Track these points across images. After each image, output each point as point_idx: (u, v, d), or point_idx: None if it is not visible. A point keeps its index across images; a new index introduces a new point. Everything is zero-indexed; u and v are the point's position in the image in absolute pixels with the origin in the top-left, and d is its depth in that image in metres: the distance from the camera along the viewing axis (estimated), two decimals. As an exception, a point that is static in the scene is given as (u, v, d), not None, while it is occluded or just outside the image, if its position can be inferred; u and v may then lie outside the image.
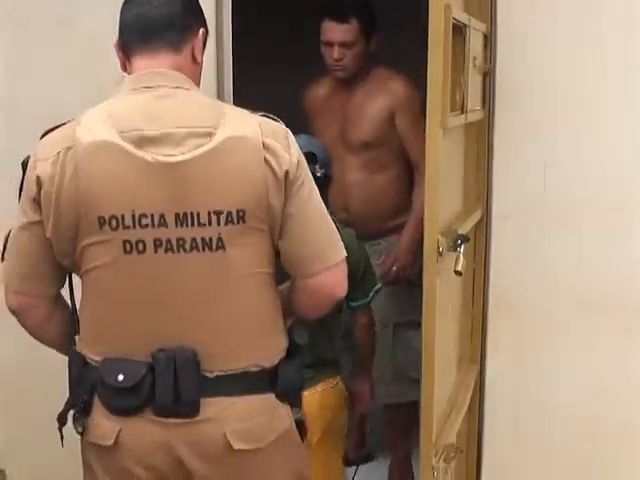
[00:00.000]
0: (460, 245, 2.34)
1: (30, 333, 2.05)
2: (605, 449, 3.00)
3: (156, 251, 1.83)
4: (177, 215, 1.82)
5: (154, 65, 1.91)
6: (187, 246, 1.83)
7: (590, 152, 2.89)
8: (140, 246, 1.83)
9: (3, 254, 1.97)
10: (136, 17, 1.94)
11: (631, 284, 2.90)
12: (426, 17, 2.14)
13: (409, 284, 3.31)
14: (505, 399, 3.05)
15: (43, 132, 1.92)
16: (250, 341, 1.93)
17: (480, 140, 2.90)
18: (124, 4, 1.99)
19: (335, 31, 3.28)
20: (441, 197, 2.23)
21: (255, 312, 1.93)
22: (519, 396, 3.03)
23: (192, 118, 1.86)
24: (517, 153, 2.92)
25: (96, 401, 1.92)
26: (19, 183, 1.93)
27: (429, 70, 2.15)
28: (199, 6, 2.03)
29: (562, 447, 3.02)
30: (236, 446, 1.89)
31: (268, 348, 1.96)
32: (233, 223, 1.84)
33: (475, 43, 2.58)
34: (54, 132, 1.90)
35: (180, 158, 1.81)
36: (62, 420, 2.01)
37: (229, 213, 1.83)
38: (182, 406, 1.86)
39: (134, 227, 1.82)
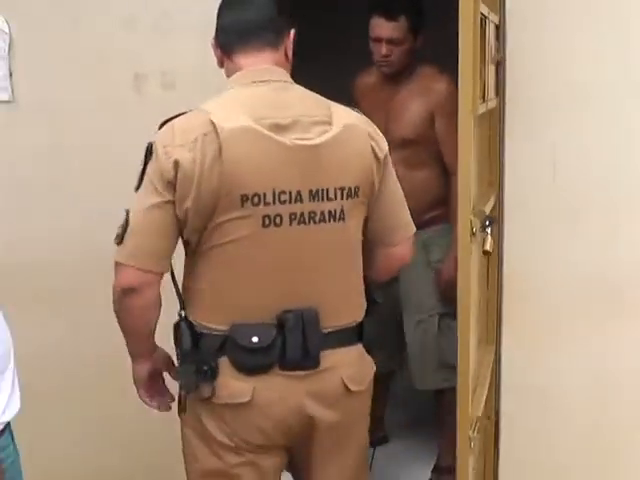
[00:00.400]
0: (488, 226, 2.45)
1: (131, 317, 2.16)
2: (610, 427, 3.10)
3: (291, 224, 2.09)
4: (310, 191, 2.09)
5: (258, 62, 2.17)
6: (317, 218, 2.11)
7: (600, 141, 2.96)
8: (277, 220, 2.07)
9: (122, 236, 2.08)
10: (236, 20, 2.19)
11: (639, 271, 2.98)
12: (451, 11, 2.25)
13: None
14: (519, 378, 3.14)
15: (162, 122, 2.13)
16: (351, 300, 2.23)
17: (493, 128, 3.01)
18: (222, 8, 2.24)
19: (384, 28, 3.33)
20: (473, 181, 2.34)
21: (356, 275, 2.24)
22: (532, 375, 3.12)
23: (309, 108, 2.14)
24: (527, 141, 2.99)
25: (223, 365, 2.12)
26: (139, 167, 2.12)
27: (460, 60, 2.25)
28: (289, 10, 2.26)
29: (570, 422, 3.13)
30: (352, 388, 2.21)
31: (360, 306, 2.26)
32: (351, 197, 2.14)
33: (490, 34, 2.69)
34: (181, 121, 2.10)
35: (315, 142, 2.08)
36: (187, 387, 2.17)
37: (349, 189, 2.13)
38: (308, 359, 2.13)
39: (274, 203, 2.06)
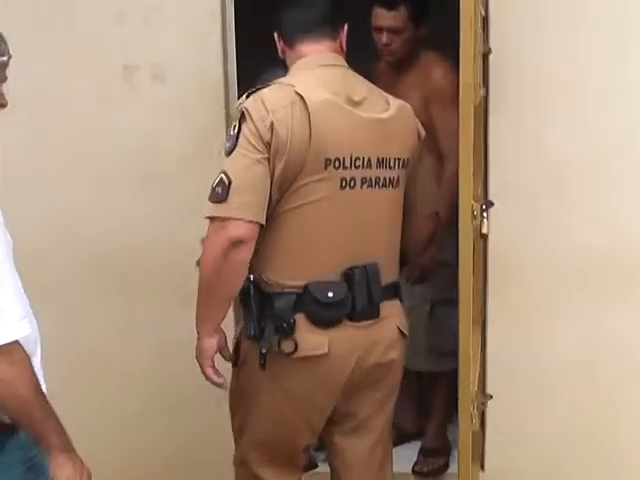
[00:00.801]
0: (486, 210, 2.55)
1: (232, 272, 2.29)
2: (598, 400, 3.22)
3: (362, 187, 2.35)
4: (378, 159, 2.37)
5: (320, 50, 2.44)
6: (381, 183, 2.39)
7: (580, 126, 3.09)
8: (352, 183, 2.34)
9: (225, 194, 2.23)
10: (299, 15, 2.46)
11: (623, 247, 3.11)
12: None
13: (447, 265, 3.37)
14: (505, 358, 3.25)
15: (247, 92, 2.35)
16: (397, 259, 2.52)
17: (478, 116, 3.10)
18: (285, 5, 2.48)
19: (384, 17, 3.38)
20: (471, 166, 2.43)
21: (399, 238, 2.52)
22: (518, 356, 3.23)
23: (370, 89, 2.46)
24: (511, 127, 3.10)
25: (299, 321, 2.32)
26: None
27: (462, 50, 2.34)
28: (344, 7, 2.53)
29: (559, 399, 3.24)
30: (405, 332, 2.52)
31: (398, 266, 2.54)
32: (404, 167, 2.45)
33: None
34: (267, 92, 2.31)
35: (383, 116, 2.40)
36: (268, 344, 2.31)
37: (404, 160, 2.45)
38: (371, 310, 2.39)
39: (350, 168, 2.32)
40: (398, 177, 2.43)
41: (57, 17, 3.19)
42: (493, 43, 3.06)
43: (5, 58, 1.89)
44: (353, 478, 2.57)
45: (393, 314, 2.48)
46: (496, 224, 3.13)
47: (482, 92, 2.97)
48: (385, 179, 2.39)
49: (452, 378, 3.59)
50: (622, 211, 3.12)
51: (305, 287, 2.31)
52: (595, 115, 3.09)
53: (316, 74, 2.39)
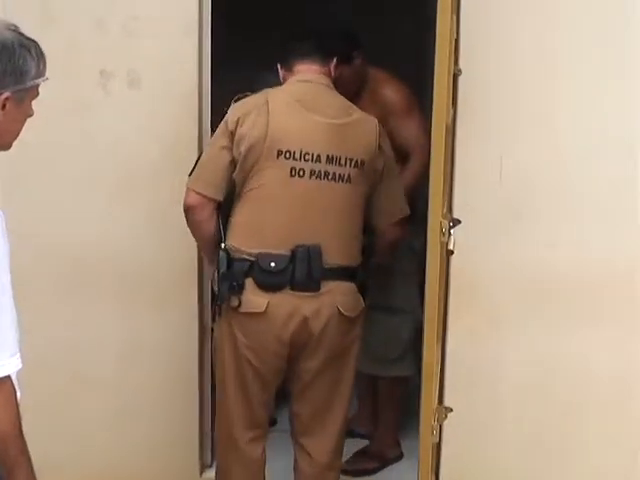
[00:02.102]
0: (453, 227, 2.63)
1: (193, 228, 2.94)
2: (552, 416, 3.30)
3: (310, 177, 2.83)
4: (328, 156, 2.83)
5: (308, 70, 2.98)
6: (329, 177, 2.83)
7: (542, 147, 3.17)
8: (301, 172, 2.82)
9: (193, 169, 2.88)
10: (298, 45, 3.03)
11: (582, 268, 3.19)
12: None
13: (384, 271, 3.52)
14: (462, 373, 3.31)
15: (235, 98, 2.93)
16: (348, 248, 2.90)
17: (447, 135, 3.17)
18: (288, 44, 3.04)
19: None
20: (442, 184, 2.51)
21: (354, 231, 2.91)
22: (475, 371, 3.30)
23: (337, 101, 2.96)
24: (476, 148, 3.18)
25: (248, 283, 2.83)
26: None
27: (436, 73, 2.43)
28: (335, 41, 3.19)
29: (513, 414, 3.32)
30: (343, 312, 2.87)
31: (355, 255, 2.93)
32: (357, 167, 2.86)
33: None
34: (247, 98, 2.92)
35: (340, 122, 2.88)
36: (221, 299, 2.87)
37: (356, 161, 2.86)
38: (311, 283, 2.82)
39: (300, 160, 2.82)
40: (349, 174, 2.85)
41: (36, 20, 3.19)
42: (462, 65, 3.14)
43: (45, 77, 1.91)
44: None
45: (335, 293, 2.86)
46: (457, 242, 3.21)
47: (451, 112, 3.06)
48: (335, 174, 2.83)
49: (396, 384, 3.79)
50: (582, 232, 3.21)
51: (257, 257, 2.80)
52: (557, 137, 3.18)
53: (292, 86, 2.97)
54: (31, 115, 1.94)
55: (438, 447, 3.32)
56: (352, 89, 3.54)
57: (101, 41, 3.24)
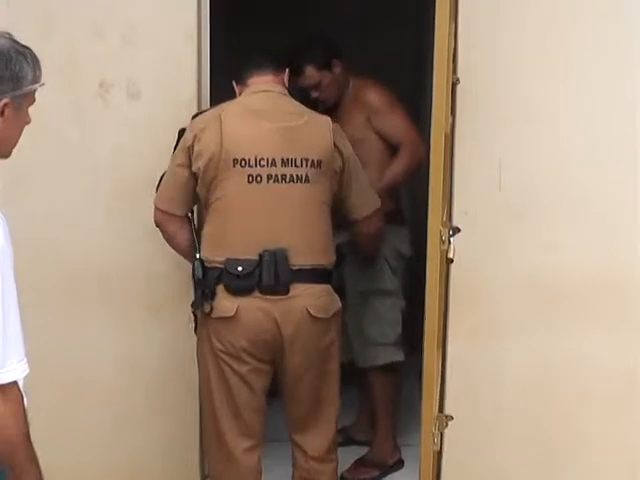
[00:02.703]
0: (452, 235, 2.64)
1: (167, 241, 3.07)
2: (553, 419, 3.31)
3: (268, 182, 2.87)
4: (283, 159, 2.88)
5: (263, 81, 3.05)
6: (287, 179, 2.88)
7: (540, 154, 3.19)
8: (258, 178, 2.87)
9: (158, 187, 3.00)
10: (250, 59, 3.12)
11: (580, 272, 3.20)
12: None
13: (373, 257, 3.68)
14: (463, 378, 3.31)
15: (194, 115, 3.08)
16: (317, 248, 2.94)
17: (446, 143, 3.19)
18: (242, 62, 3.10)
19: (297, 81, 3.65)
20: (441, 193, 2.52)
21: (321, 230, 2.95)
22: (476, 376, 3.30)
23: (289, 105, 3.03)
24: (475, 155, 3.19)
25: (219, 289, 2.89)
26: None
27: (435, 82, 2.44)
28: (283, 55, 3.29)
29: (514, 421, 3.32)
30: (314, 314, 2.89)
31: (325, 254, 2.97)
32: (314, 167, 2.91)
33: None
34: (204, 113, 3.03)
35: (292, 124, 2.93)
36: (196, 306, 2.96)
37: (312, 161, 2.91)
38: (278, 287, 2.85)
39: (256, 166, 2.86)
40: (307, 174, 2.90)
41: (36, 31, 3.20)
42: (460, 73, 3.15)
43: (41, 83, 1.93)
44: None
45: (304, 296, 2.90)
46: (457, 249, 3.22)
47: (450, 120, 3.07)
48: (292, 175, 2.89)
49: (390, 378, 3.81)
50: (582, 237, 3.22)
51: (224, 263, 2.87)
52: (556, 143, 3.19)
53: (245, 98, 3.05)
54: (28, 122, 1.97)
55: (439, 455, 3.33)
56: (332, 95, 3.73)
57: (100, 50, 3.24)
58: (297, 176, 2.89)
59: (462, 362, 3.31)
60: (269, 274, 2.84)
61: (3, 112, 1.86)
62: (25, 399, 1.87)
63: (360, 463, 3.86)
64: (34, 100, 1.94)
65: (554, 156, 3.21)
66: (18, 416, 1.83)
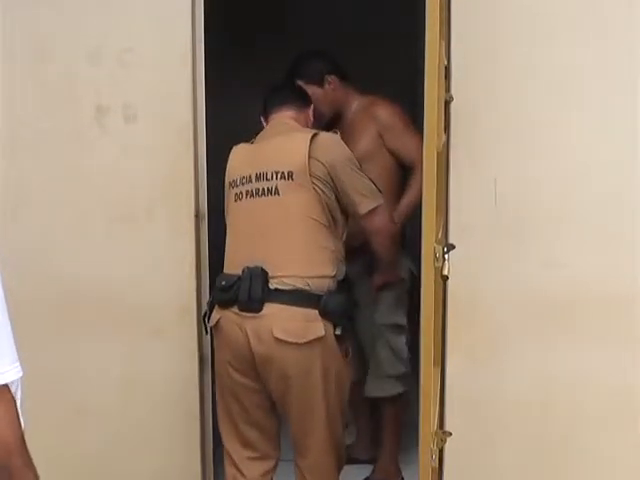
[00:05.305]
0: (448, 252, 2.64)
1: None
2: (553, 438, 3.29)
3: (247, 198, 3.01)
4: (257, 174, 3.00)
5: (284, 116, 3.22)
6: (259, 193, 2.98)
7: (535, 171, 3.20)
8: (241, 196, 3.04)
9: None
10: (274, 94, 3.31)
11: (577, 290, 3.20)
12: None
13: (391, 289, 3.68)
14: (462, 396, 3.31)
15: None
16: (298, 266, 2.92)
17: (440, 160, 3.20)
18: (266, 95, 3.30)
19: None
20: (434, 211, 2.53)
21: (312, 238, 2.95)
22: (475, 394, 3.30)
23: (285, 129, 3.16)
24: (470, 172, 3.21)
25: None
26: None
27: (426, 100, 2.44)
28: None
29: (514, 438, 3.31)
30: (279, 336, 2.85)
31: (313, 276, 2.91)
32: (284, 179, 2.95)
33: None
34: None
35: (265, 142, 3.10)
36: (206, 318, 3.11)
37: (283, 172, 2.96)
38: (252, 303, 2.88)
39: (239, 185, 3.04)
40: (276, 186, 2.96)
41: (31, 55, 3.24)
42: (454, 91, 3.17)
43: None
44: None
45: (275, 317, 2.89)
46: (453, 265, 3.23)
47: (444, 138, 3.08)
48: (263, 189, 2.97)
49: (399, 405, 3.81)
50: (577, 253, 3.22)
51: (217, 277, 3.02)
52: (551, 159, 3.20)
53: (260, 134, 3.20)
54: None
55: (439, 472, 3.33)
56: (322, 110, 3.66)
57: (96, 75, 3.27)
58: (267, 189, 2.96)
59: (461, 379, 3.31)
60: (244, 290, 2.89)
61: None
62: (19, 402, 1.86)
63: None
64: None
65: (550, 172, 3.22)
66: (11, 417, 1.80)
